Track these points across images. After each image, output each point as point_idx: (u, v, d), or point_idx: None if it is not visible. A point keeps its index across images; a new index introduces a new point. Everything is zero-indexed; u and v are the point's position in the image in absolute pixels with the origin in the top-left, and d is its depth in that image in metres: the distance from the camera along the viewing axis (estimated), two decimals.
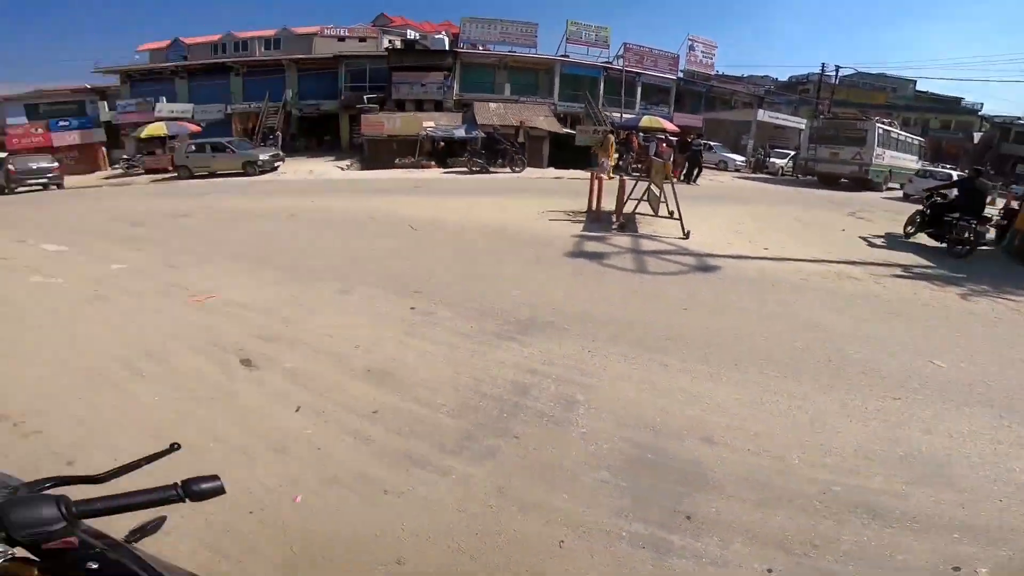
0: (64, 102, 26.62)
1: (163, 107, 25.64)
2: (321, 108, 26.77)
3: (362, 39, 27.98)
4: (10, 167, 17.11)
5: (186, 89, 27.29)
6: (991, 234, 8.83)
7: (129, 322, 4.41)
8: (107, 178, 21.75)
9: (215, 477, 0.83)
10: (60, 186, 17.95)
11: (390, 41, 27.59)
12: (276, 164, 19.13)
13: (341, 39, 27.50)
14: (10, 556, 0.71)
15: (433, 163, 20.01)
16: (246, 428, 2.84)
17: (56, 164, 18.31)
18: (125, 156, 23.38)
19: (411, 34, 28.56)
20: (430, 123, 20.68)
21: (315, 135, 27.30)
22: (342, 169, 20.14)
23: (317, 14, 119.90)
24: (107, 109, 26.94)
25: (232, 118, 26.30)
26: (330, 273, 5.82)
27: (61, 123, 25.62)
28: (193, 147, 19.06)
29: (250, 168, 18.20)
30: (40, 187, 17.64)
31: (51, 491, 0.79)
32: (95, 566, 0.74)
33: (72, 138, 25.46)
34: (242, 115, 26.27)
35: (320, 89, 26.50)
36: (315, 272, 5.89)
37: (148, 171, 21.21)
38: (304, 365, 3.57)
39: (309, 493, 2.33)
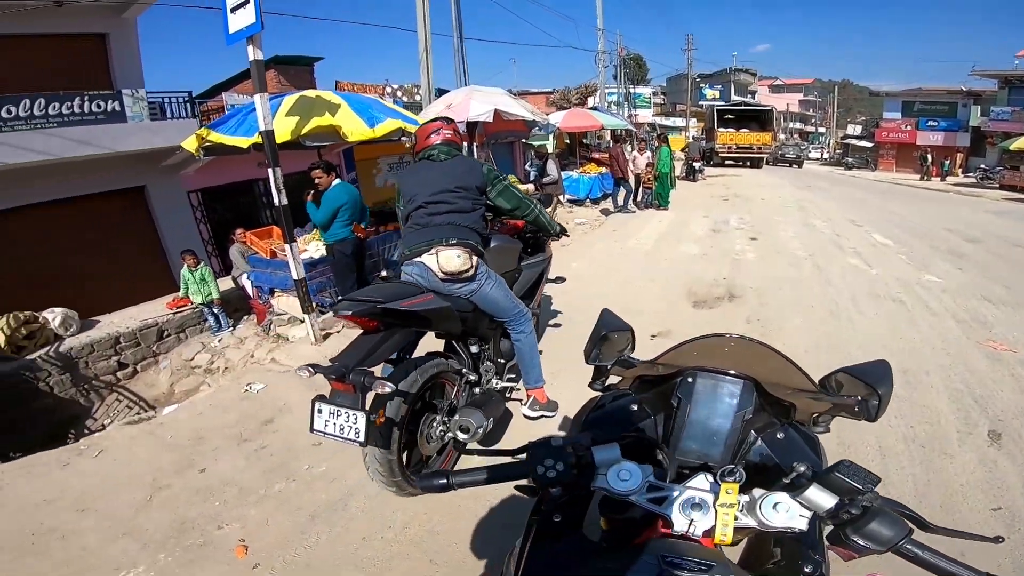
0: (937, 102, 25.83)
1: None
2: None
3: None
4: None
5: None
6: None
7: (903, 338, 4.13)
8: (956, 184, 21.22)
9: None
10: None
11: None
12: None
13: None
14: None
15: None
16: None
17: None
18: (983, 166, 22.03)
19: None
20: None
21: None
22: None
23: None
24: (978, 114, 24.75)
25: None
26: None
27: (929, 122, 25.30)
28: None
29: None
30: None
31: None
32: None
33: (935, 138, 24.90)
34: None
35: None
36: None
37: (1003, 186, 19.10)
38: None
39: None
